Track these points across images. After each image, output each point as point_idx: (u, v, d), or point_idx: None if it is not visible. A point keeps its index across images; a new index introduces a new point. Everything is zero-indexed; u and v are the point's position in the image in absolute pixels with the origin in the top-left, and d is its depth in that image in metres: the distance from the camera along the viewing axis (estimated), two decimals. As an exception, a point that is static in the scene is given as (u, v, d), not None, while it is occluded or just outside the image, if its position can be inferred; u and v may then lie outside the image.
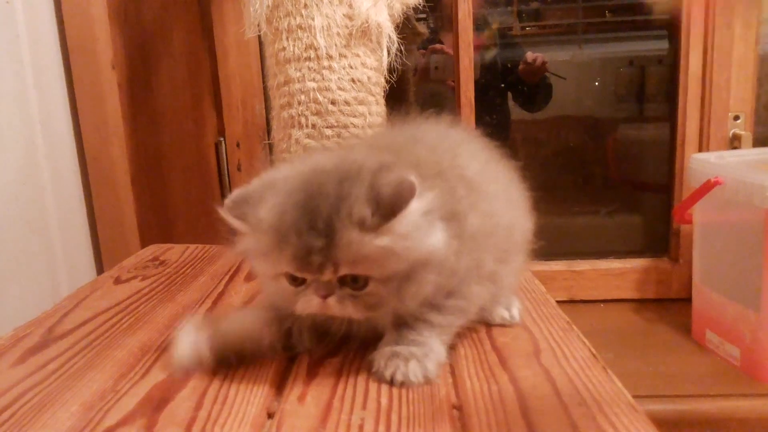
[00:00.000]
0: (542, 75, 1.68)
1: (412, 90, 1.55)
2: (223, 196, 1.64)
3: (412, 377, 0.57)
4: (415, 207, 0.52)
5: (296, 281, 0.54)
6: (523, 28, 1.72)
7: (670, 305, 1.49)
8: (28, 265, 1.06)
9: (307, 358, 0.63)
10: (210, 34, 1.45)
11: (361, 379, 0.58)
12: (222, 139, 1.52)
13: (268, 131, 1.51)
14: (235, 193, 0.56)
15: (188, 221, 1.41)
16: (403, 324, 0.60)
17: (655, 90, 1.67)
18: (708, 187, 1.19)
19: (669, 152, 1.51)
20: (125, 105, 1.19)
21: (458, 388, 0.57)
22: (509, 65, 1.69)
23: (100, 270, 1.23)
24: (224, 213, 0.55)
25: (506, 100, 1.72)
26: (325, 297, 0.53)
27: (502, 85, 1.70)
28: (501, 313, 0.71)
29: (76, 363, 0.64)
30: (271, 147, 1.05)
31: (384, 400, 0.54)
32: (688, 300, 1.46)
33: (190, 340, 0.60)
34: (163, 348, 0.66)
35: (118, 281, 0.91)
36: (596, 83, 1.75)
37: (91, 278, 1.22)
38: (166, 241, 1.26)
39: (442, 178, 0.60)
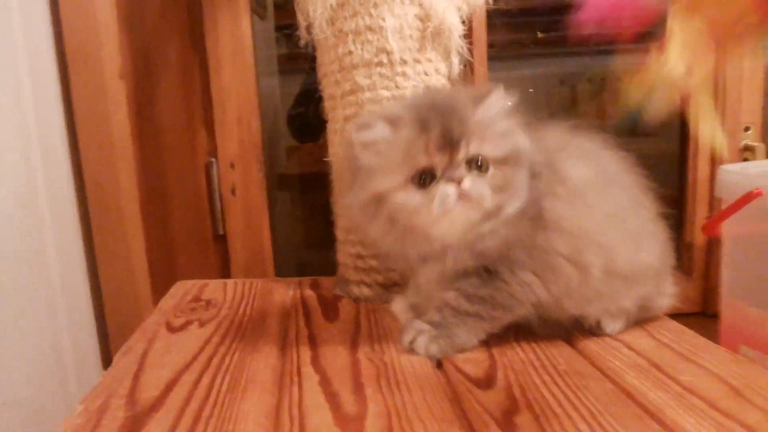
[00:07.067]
0: None
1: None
2: (215, 222, 1.48)
3: (416, 347, 0.66)
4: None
5: (426, 180, 0.60)
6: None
7: (687, 320, 1.46)
8: (26, 303, 0.86)
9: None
10: (201, 44, 1.29)
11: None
12: (213, 159, 1.36)
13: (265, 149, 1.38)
14: (360, 122, 0.65)
15: (187, 253, 1.24)
16: (435, 308, 0.68)
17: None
18: (749, 198, 1.16)
19: (679, 164, 1.49)
20: (133, 122, 1.02)
21: None
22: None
23: (100, 316, 1.04)
24: (356, 134, 0.63)
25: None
26: (459, 182, 0.59)
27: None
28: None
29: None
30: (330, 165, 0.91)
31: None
32: (703, 314, 1.44)
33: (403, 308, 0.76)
34: (299, 417, 0.53)
35: (171, 329, 0.75)
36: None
37: (90, 323, 1.04)
38: (171, 278, 1.09)
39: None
